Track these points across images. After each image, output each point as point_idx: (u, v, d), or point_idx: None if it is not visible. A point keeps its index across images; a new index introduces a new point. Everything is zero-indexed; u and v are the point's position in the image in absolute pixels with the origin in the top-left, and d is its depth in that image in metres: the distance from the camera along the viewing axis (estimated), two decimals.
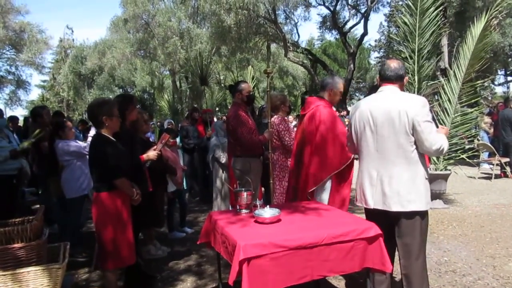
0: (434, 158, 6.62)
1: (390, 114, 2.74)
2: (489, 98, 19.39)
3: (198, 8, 19.53)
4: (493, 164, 9.46)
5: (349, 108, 18.43)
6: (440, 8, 7.01)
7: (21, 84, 26.59)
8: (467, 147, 7.29)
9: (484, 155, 10.57)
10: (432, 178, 6.02)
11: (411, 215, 2.75)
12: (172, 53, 19.80)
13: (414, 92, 6.70)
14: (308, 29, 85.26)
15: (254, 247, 2.38)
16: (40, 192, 6.16)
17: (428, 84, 7.15)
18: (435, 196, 6.37)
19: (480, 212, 6.19)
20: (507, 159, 9.39)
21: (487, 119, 11.65)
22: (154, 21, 20.59)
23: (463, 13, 13.87)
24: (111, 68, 26.31)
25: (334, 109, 4.12)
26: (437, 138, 2.69)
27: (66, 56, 34.09)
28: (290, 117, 11.68)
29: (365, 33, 20.26)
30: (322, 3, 20.85)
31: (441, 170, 6.65)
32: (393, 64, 2.90)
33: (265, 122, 5.08)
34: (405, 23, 6.95)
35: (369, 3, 19.67)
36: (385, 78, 2.91)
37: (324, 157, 3.71)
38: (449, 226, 5.52)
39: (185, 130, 7.71)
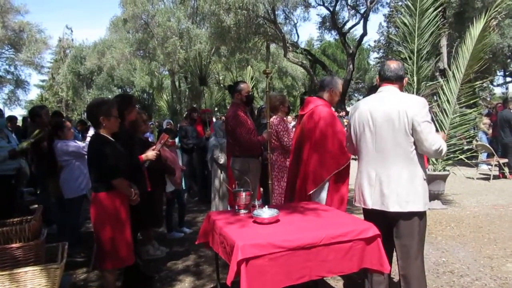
0: (433, 159, 6.63)
1: (389, 114, 2.74)
2: (488, 99, 19.45)
3: (198, 8, 19.53)
4: (491, 165, 9.47)
5: (348, 109, 18.45)
6: (440, 8, 7.03)
7: (20, 84, 26.61)
8: (465, 147, 7.31)
9: (482, 156, 10.58)
10: (430, 179, 6.03)
11: (409, 215, 2.75)
12: (171, 53, 19.79)
13: (413, 93, 6.71)
14: (307, 30, 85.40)
15: (253, 248, 2.38)
16: (38, 192, 6.16)
17: (427, 84, 7.16)
18: (433, 196, 6.38)
19: (479, 213, 6.20)
20: (506, 160, 9.40)
21: (486, 120, 11.66)
22: (153, 21, 20.58)
23: (462, 13, 13.88)
24: (110, 68, 26.28)
25: (333, 109, 4.12)
26: (436, 139, 2.70)
27: (65, 56, 34.08)
28: (289, 118, 11.70)
29: (364, 33, 20.29)
30: (321, 4, 20.89)
31: (439, 170, 6.66)
32: (393, 65, 2.90)
33: (264, 122, 5.08)
34: (404, 24, 6.96)
35: (368, 4, 19.69)
36: (385, 79, 2.91)
37: (324, 153, 3.68)
38: (447, 226, 5.53)
39: (184, 130, 7.71)
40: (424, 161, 2.84)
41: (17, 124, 10.34)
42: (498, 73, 23.52)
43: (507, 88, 26.24)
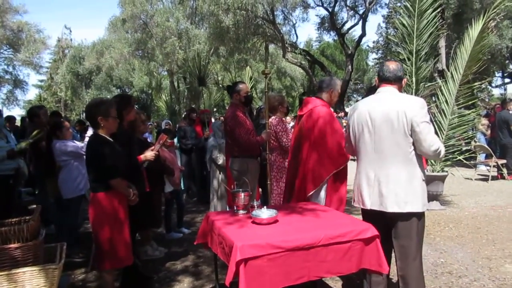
0: (431, 160, 6.63)
1: (388, 115, 2.74)
2: (486, 100, 19.44)
3: (196, 8, 19.51)
4: (490, 166, 9.48)
5: (347, 109, 18.47)
6: (438, 10, 7.03)
7: (18, 83, 26.57)
8: (464, 148, 7.32)
9: (481, 157, 10.60)
10: (429, 180, 6.03)
11: (407, 216, 2.76)
12: (170, 54, 19.79)
13: (411, 94, 6.72)
14: (306, 30, 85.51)
15: (251, 248, 2.38)
16: (36, 192, 6.15)
17: (426, 85, 7.16)
18: (432, 197, 6.39)
19: (477, 214, 6.21)
20: (504, 161, 9.41)
21: (484, 121, 11.68)
22: (152, 21, 20.57)
23: (461, 15, 13.89)
24: (109, 68, 26.25)
25: (332, 110, 4.12)
26: (435, 140, 2.71)
27: (64, 56, 34.06)
28: (288, 118, 11.69)
29: (363, 34, 20.31)
30: (320, 4, 20.91)
31: (438, 171, 6.66)
32: (392, 66, 2.91)
33: (263, 123, 5.07)
34: (403, 25, 6.97)
35: (367, 5, 19.71)
36: (384, 79, 2.92)
37: (323, 152, 3.67)
38: (445, 227, 5.54)
39: (183, 130, 7.70)
40: (422, 162, 2.85)
41: (16, 124, 10.32)
42: (497, 74, 23.56)
43: (505, 89, 26.28)
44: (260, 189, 5.45)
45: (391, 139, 2.75)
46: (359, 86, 37.87)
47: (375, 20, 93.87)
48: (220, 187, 5.77)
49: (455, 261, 4.25)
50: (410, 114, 2.68)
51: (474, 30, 6.48)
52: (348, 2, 21.07)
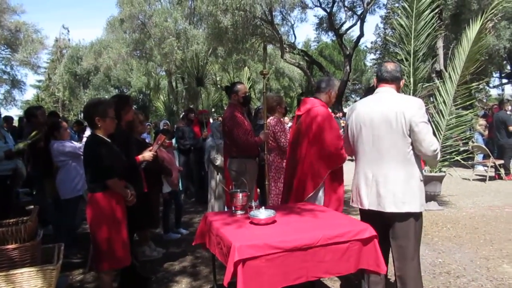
0: None
1: (386, 115, 2.75)
2: (484, 100, 19.49)
3: (195, 8, 19.52)
4: (487, 166, 9.50)
5: (345, 110, 18.48)
6: (436, 10, 7.04)
7: (16, 84, 26.52)
8: (461, 149, 7.33)
9: (478, 157, 10.63)
10: (426, 180, 6.03)
11: (405, 216, 2.76)
12: (168, 54, 19.76)
13: (409, 94, 6.73)
14: (304, 31, 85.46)
15: (249, 248, 2.38)
16: (34, 193, 6.13)
17: (424, 86, 7.17)
18: (429, 197, 6.40)
19: (475, 214, 6.22)
20: (502, 161, 9.44)
21: (482, 121, 11.72)
22: (150, 21, 20.54)
23: (458, 15, 13.91)
24: (107, 68, 26.20)
25: (330, 110, 4.12)
26: (434, 140, 2.74)
27: (61, 56, 33.96)
28: (286, 119, 11.70)
29: (361, 35, 20.33)
30: (318, 5, 20.90)
31: (435, 172, 6.67)
32: (390, 66, 2.94)
33: (261, 123, 5.08)
34: (401, 25, 6.98)
35: (365, 5, 19.73)
36: (382, 80, 2.94)
37: (322, 147, 3.64)
38: (443, 227, 5.55)
39: (181, 131, 7.70)
40: (420, 162, 2.85)
41: (13, 124, 10.30)
42: (494, 75, 23.60)
43: (503, 90, 26.36)
44: (258, 190, 5.45)
45: (389, 139, 2.76)
46: (357, 87, 37.91)
47: (373, 21, 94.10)
48: (218, 188, 5.77)
49: (453, 261, 4.26)
50: (409, 115, 2.69)
51: (472, 31, 6.49)
52: (346, 3, 21.10)
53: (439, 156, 2.79)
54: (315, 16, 27.17)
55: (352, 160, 3.29)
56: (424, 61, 7.04)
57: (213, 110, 21.35)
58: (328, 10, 20.77)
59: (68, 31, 39.15)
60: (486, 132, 11.30)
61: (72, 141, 5.17)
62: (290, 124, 10.20)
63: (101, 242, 3.13)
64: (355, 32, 25.98)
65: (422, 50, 6.85)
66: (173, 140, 7.20)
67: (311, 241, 2.50)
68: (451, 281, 3.77)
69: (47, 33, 57.76)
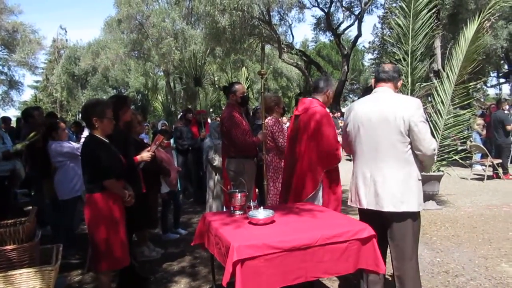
0: None
1: (384, 115, 2.76)
2: (482, 100, 19.52)
3: (192, 9, 19.49)
4: (485, 165, 9.52)
5: (343, 110, 18.50)
6: (433, 10, 7.05)
7: (13, 84, 26.41)
8: (459, 148, 7.35)
9: (476, 157, 10.65)
10: (425, 179, 6.02)
11: (403, 216, 2.77)
12: (166, 54, 19.73)
13: (407, 94, 6.73)
14: (302, 31, 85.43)
15: (248, 248, 2.38)
16: (32, 194, 6.12)
17: (422, 85, 7.18)
18: (428, 197, 6.41)
19: (473, 213, 6.23)
20: (499, 160, 9.46)
21: (480, 121, 11.73)
22: (148, 21, 20.51)
23: (456, 15, 13.93)
24: (104, 68, 26.18)
25: (328, 110, 4.12)
26: (432, 139, 2.75)
27: (59, 56, 33.92)
28: (284, 119, 11.71)
29: (359, 34, 20.36)
30: (316, 5, 20.93)
31: (434, 171, 6.68)
32: (387, 67, 2.98)
33: (259, 123, 5.08)
34: (398, 25, 6.98)
35: (362, 5, 19.77)
36: (379, 79, 2.96)
37: (320, 140, 3.64)
38: (442, 227, 5.55)
39: (179, 131, 7.69)
40: (418, 162, 2.85)
41: (11, 125, 10.27)
42: (492, 74, 23.66)
43: (500, 89, 26.41)
44: (257, 190, 5.45)
45: (387, 139, 2.77)
46: (355, 87, 37.96)
47: (370, 21, 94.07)
48: (216, 188, 5.77)
49: (452, 261, 4.27)
50: (407, 115, 2.70)
51: (469, 31, 6.50)
52: (343, 3, 21.13)
53: (435, 156, 2.80)
54: (312, 16, 27.20)
55: (350, 160, 3.29)
56: (422, 61, 7.04)
57: (211, 110, 21.31)
58: (326, 10, 20.81)
59: (66, 31, 39.20)
60: (484, 132, 11.32)
61: (70, 142, 5.16)
62: (288, 124, 10.20)
63: (100, 243, 3.13)
64: (352, 32, 26.10)
65: (419, 50, 6.85)
66: (171, 140, 7.19)
67: (309, 241, 2.50)
68: (449, 280, 3.78)
69: (45, 34, 57.69)
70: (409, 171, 2.78)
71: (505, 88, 26.28)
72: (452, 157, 6.74)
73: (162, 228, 5.49)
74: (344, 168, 3.77)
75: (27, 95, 42.42)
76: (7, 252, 2.73)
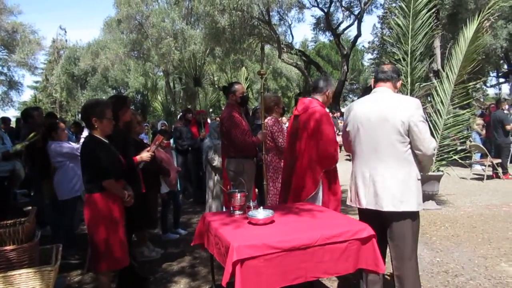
0: None
1: (384, 115, 2.76)
2: (481, 99, 19.53)
3: (192, 9, 19.52)
4: (485, 165, 9.52)
5: (342, 110, 18.51)
6: (433, 10, 7.05)
7: (13, 85, 26.40)
8: (459, 148, 7.35)
9: (476, 156, 10.65)
10: (424, 179, 6.05)
11: (403, 215, 2.77)
12: (165, 54, 19.75)
13: (407, 94, 6.74)
14: (302, 31, 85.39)
15: (248, 248, 2.38)
16: (32, 194, 6.12)
17: (421, 85, 7.18)
18: (427, 197, 6.41)
19: (472, 213, 6.23)
20: (499, 160, 9.47)
21: (479, 121, 11.74)
22: (147, 22, 20.53)
23: (455, 15, 13.93)
24: (104, 69, 26.19)
25: (328, 110, 4.12)
26: (432, 138, 2.76)
27: (59, 57, 33.92)
28: (284, 119, 11.70)
29: (358, 34, 20.37)
30: (315, 5, 20.92)
31: (433, 171, 6.68)
32: (387, 67, 3.00)
33: (259, 123, 5.08)
34: (398, 25, 6.98)
35: (362, 5, 19.77)
36: (379, 80, 2.97)
37: (320, 138, 3.63)
38: (441, 227, 5.56)
39: (179, 131, 7.69)
40: (418, 161, 2.86)
41: (11, 125, 10.27)
42: (491, 74, 23.67)
43: (500, 89, 26.43)
44: (257, 190, 5.45)
45: (386, 139, 2.77)
46: (355, 86, 37.97)
47: (370, 21, 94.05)
48: (216, 188, 5.77)
49: (451, 260, 4.27)
50: (407, 115, 2.70)
51: (469, 30, 6.51)
52: (343, 3, 21.13)
53: (434, 157, 2.80)
54: (312, 16, 27.15)
55: (349, 160, 3.29)
56: (421, 61, 7.05)
57: (210, 110, 21.30)
58: (326, 10, 20.81)
59: (65, 31, 39.23)
60: (484, 131, 11.33)
61: (70, 142, 5.16)
62: (287, 124, 10.20)
63: (99, 243, 3.13)
64: (352, 32, 26.13)
65: (419, 50, 6.86)
66: (171, 141, 7.19)
67: (309, 241, 2.50)
68: (449, 280, 3.78)
69: (44, 34, 57.72)
70: (409, 171, 2.79)
71: (505, 88, 26.29)
72: (452, 157, 6.74)
73: (162, 228, 5.49)
74: (343, 168, 3.78)
75: (27, 95, 42.44)
76: (7, 252, 2.73)
